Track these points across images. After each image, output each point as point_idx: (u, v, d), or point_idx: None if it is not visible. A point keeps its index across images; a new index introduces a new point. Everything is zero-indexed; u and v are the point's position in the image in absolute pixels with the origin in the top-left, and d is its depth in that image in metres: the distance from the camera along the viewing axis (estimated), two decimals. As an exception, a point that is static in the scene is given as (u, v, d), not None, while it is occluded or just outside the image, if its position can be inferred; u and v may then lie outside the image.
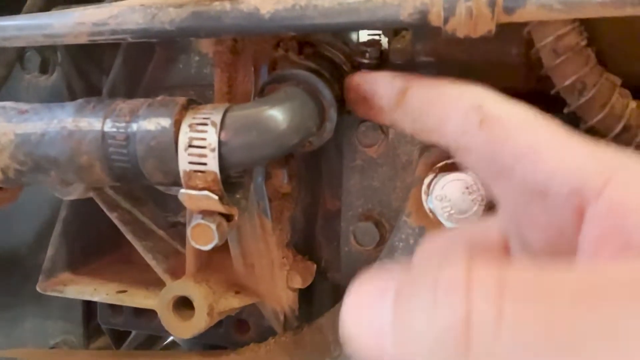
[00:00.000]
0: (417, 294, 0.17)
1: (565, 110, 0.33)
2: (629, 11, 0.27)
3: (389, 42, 0.44)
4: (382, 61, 0.43)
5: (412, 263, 0.27)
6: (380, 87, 0.31)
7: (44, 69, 0.51)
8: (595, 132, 0.34)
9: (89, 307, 0.59)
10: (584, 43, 0.32)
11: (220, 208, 0.30)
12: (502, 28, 0.30)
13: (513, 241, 0.25)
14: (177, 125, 0.31)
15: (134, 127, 0.31)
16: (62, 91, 0.50)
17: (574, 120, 0.34)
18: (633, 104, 0.32)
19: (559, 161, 0.21)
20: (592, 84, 0.32)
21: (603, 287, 0.16)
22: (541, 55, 0.33)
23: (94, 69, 0.50)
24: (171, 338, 0.74)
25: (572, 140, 0.21)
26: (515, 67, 0.37)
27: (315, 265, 0.49)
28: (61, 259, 0.49)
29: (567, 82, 0.32)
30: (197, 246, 0.31)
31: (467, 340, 0.16)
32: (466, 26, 0.29)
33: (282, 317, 0.48)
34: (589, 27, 0.32)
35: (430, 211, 0.41)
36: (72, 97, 0.47)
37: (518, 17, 0.28)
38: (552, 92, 0.33)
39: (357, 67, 0.40)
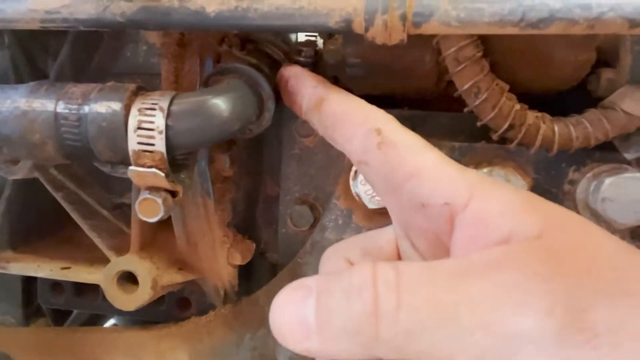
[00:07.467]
0: (334, 293, 0.22)
1: (465, 110, 0.40)
2: (509, 30, 0.33)
3: (323, 43, 0.49)
4: (316, 60, 0.48)
5: (320, 269, 0.32)
6: (304, 88, 0.34)
7: (-13, 50, 0.51)
8: (488, 129, 0.41)
9: (29, 288, 0.59)
10: (480, 54, 0.38)
11: (166, 184, 0.34)
12: (417, 38, 0.35)
13: (403, 244, 0.30)
14: (127, 109, 0.34)
15: (86, 109, 0.34)
16: (6, 72, 0.50)
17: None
18: (517, 107, 0.39)
19: (437, 181, 0.26)
20: (486, 88, 0.38)
21: (467, 268, 0.21)
22: (446, 63, 0.39)
23: (41, 53, 0.50)
24: (112, 321, 0.75)
25: (448, 165, 0.27)
26: (428, 72, 0.43)
27: (254, 245, 0.53)
28: (4, 237, 0.50)
29: (466, 86, 0.38)
30: (144, 218, 0.34)
31: (377, 326, 0.20)
32: (383, 35, 0.34)
33: (222, 292, 0.52)
34: (485, 42, 0.39)
35: (356, 195, 0.46)
36: (18, 79, 0.48)
37: (424, 30, 0.34)
38: (455, 94, 0.40)
39: (294, 64, 0.44)
